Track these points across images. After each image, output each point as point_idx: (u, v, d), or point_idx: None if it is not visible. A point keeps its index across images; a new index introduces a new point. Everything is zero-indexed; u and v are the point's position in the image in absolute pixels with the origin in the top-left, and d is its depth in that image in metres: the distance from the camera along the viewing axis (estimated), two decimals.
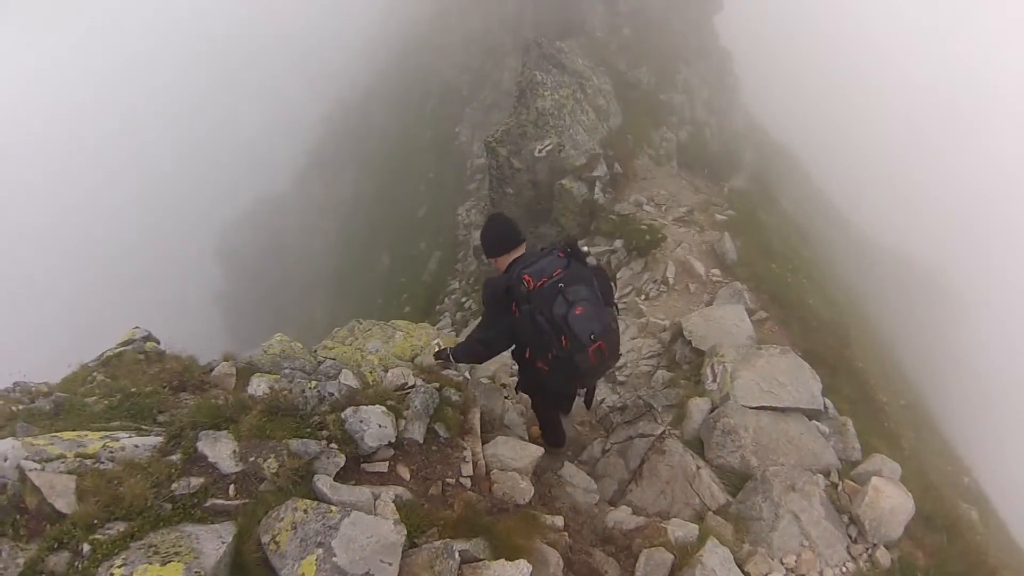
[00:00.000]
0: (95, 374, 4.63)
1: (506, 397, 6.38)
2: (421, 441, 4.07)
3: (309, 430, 3.67)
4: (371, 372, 4.82)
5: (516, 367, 5.29)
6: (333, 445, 3.59)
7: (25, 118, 72.83)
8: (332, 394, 4.02)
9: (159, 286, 58.39)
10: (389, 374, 4.63)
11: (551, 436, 5.68)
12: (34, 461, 2.98)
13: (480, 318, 4.81)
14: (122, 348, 4.99)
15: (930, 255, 36.81)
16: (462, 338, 8.68)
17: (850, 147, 45.73)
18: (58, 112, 75.28)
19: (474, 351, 4.75)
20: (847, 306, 19.15)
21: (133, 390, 4.09)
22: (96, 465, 3.09)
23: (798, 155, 35.09)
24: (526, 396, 5.80)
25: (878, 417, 8.72)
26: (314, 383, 4.14)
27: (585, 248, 4.52)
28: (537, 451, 4.67)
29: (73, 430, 3.44)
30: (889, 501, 4.78)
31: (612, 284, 4.47)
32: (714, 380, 6.12)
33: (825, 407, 5.93)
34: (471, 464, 4.16)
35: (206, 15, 76.82)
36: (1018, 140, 52.66)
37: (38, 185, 69.79)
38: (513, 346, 4.77)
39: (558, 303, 3.99)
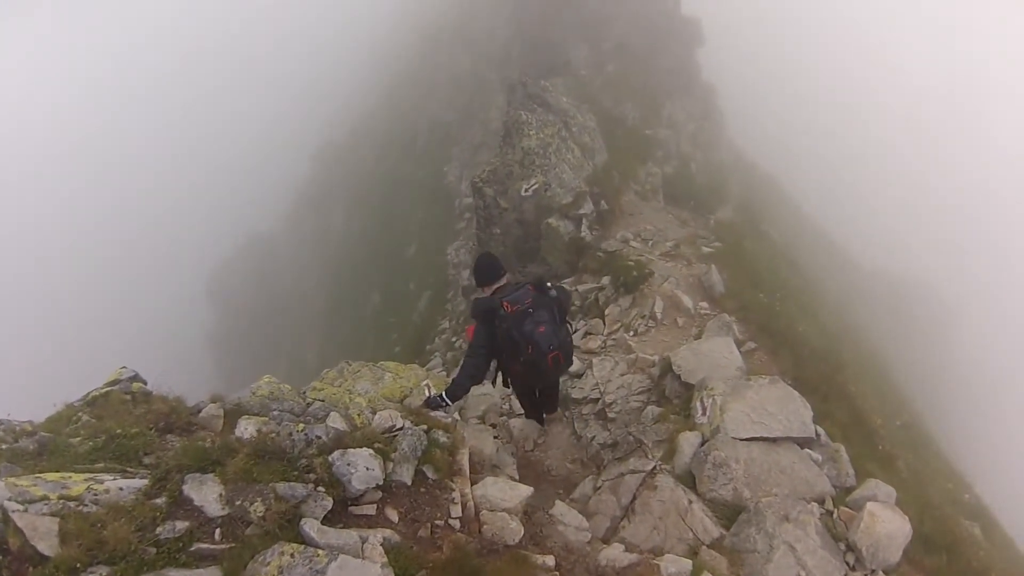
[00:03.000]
0: (80, 414, 4.60)
1: (496, 437, 6.36)
2: (409, 483, 4.06)
3: (296, 473, 3.65)
4: (359, 415, 4.81)
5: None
6: (320, 488, 3.57)
7: (10, 161, 73.04)
8: (320, 437, 4.00)
9: (148, 325, 58.11)
10: (377, 416, 4.63)
11: (531, 414, 7.30)
12: (17, 502, 2.95)
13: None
14: (108, 388, 4.97)
15: (918, 271, 37.12)
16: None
17: (833, 168, 46.44)
18: (49, 151, 75.62)
19: (468, 376, 5.69)
20: (839, 330, 19.16)
21: (119, 431, 4.07)
22: (80, 508, 3.06)
23: (784, 182, 35.44)
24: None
25: (872, 440, 8.70)
26: (301, 426, 4.12)
27: (548, 283, 5.83)
28: (527, 491, 4.65)
29: (57, 471, 3.43)
30: (885, 526, 4.77)
31: (569, 303, 6.11)
32: (704, 413, 6.12)
33: (817, 434, 5.93)
34: (460, 505, 4.14)
35: (192, 56, 77.70)
36: (997, 150, 53.76)
37: (29, 223, 69.77)
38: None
39: (527, 323, 5.45)
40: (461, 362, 5.93)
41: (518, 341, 5.43)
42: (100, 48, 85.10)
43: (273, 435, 3.92)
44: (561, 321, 5.76)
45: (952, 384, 29.79)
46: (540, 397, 7.17)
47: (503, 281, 5.92)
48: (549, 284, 5.84)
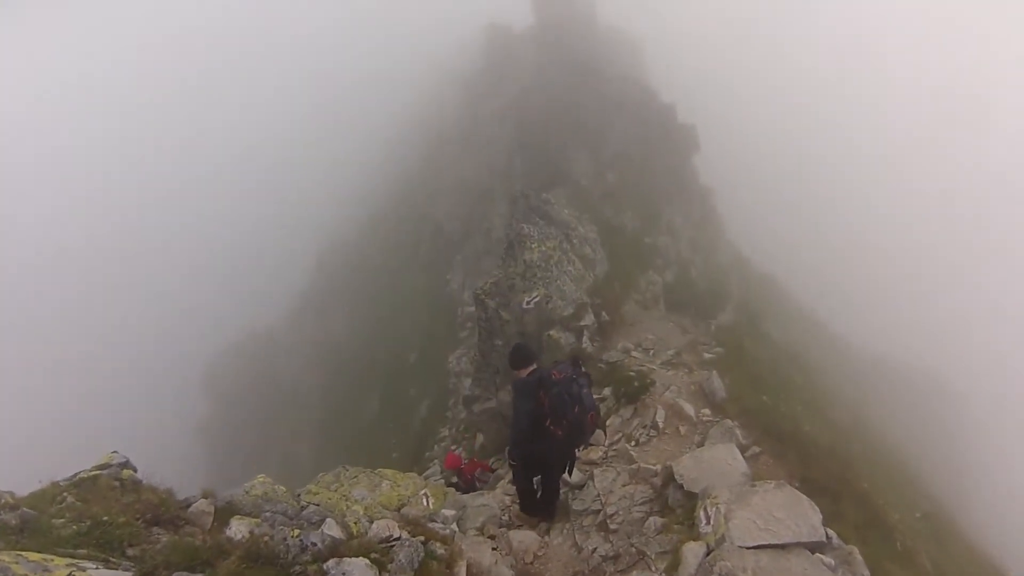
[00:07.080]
0: (66, 495, 4.48)
1: (494, 548, 6.21)
2: None
3: None
4: (356, 523, 4.73)
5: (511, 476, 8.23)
6: None
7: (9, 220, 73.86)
8: (315, 544, 3.93)
9: (141, 412, 56.99)
10: (374, 526, 4.56)
11: (530, 508, 7.73)
12: None
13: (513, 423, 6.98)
14: (97, 472, 4.88)
15: (926, 357, 36.88)
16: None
17: (830, 259, 46.91)
18: (55, 223, 76.50)
19: (522, 441, 6.81)
20: (848, 424, 18.92)
21: (105, 518, 3.97)
22: None
23: (783, 278, 35.69)
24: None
25: (891, 537, 8.52)
26: (297, 532, 4.05)
27: (580, 361, 7.11)
28: None
29: (39, 551, 3.33)
30: None
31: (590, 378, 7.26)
32: (708, 522, 5.96)
33: (828, 537, 5.71)
34: None
35: (201, 147, 79.89)
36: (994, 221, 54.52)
37: (32, 299, 69.88)
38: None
39: (574, 387, 6.65)
40: (511, 437, 6.98)
41: (567, 401, 6.55)
42: (100, 124, 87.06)
43: (267, 539, 3.84)
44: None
45: (974, 467, 28.99)
46: (542, 489, 7.73)
47: (535, 365, 6.91)
48: (580, 362, 7.14)
